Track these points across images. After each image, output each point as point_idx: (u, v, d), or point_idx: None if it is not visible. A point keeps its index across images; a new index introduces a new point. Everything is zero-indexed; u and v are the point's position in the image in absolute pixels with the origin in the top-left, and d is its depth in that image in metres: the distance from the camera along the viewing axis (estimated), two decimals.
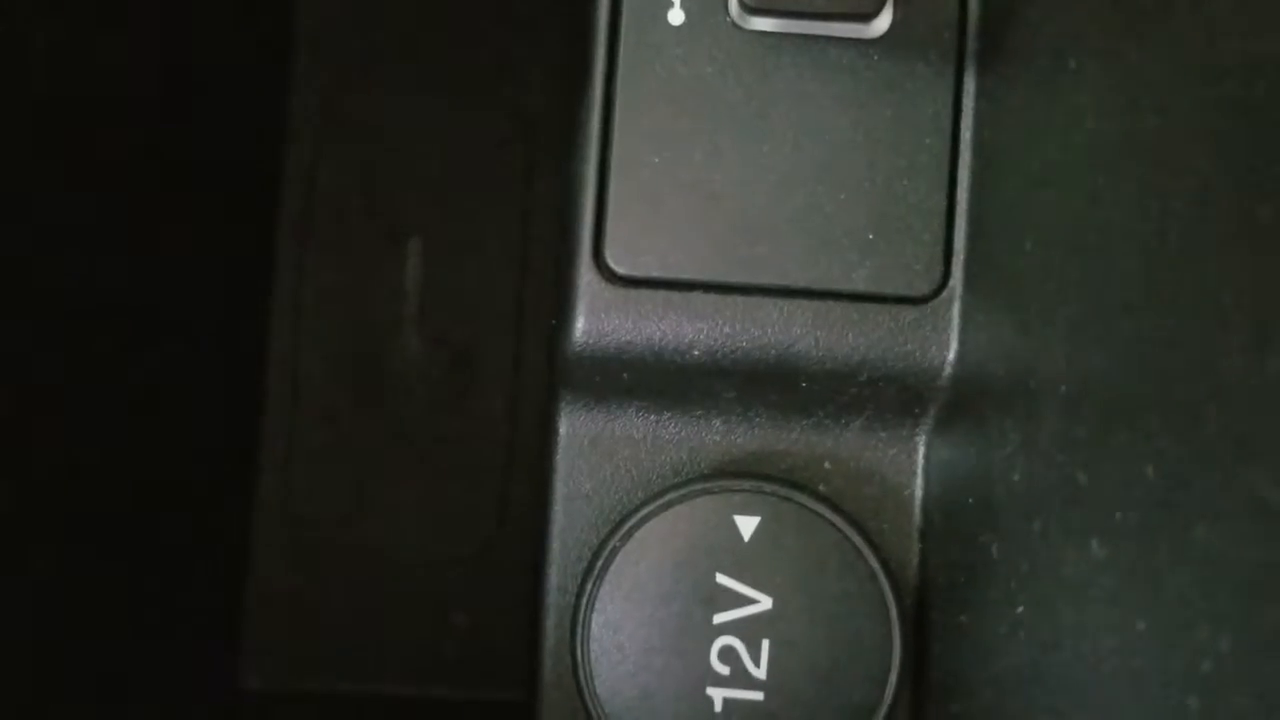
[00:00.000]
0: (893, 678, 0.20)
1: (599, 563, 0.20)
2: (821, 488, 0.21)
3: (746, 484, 0.20)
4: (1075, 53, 0.16)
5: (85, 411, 0.28)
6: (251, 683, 0.34)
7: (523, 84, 0.36)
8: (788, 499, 0.20)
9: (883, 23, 0.20)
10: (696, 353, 0.20)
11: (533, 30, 0.36)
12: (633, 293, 0.20)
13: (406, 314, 0.35)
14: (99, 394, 0.28)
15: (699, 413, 0.21)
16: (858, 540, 0.20)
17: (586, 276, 0.20)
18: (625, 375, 0.21)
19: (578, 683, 0.20)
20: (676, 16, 0.20)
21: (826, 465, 0.21)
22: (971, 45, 0.20)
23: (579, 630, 0.20)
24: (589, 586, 0.20)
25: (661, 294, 0.20)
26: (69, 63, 0.27)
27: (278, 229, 0.35)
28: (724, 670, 0.20)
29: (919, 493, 0.21)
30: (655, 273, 0.20)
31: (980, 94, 0.20)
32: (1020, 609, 0.17)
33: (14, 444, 0.25)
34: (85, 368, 0.28)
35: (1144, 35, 0.14)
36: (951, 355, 0.20)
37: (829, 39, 0.20)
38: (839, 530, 0.20)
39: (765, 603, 0.20)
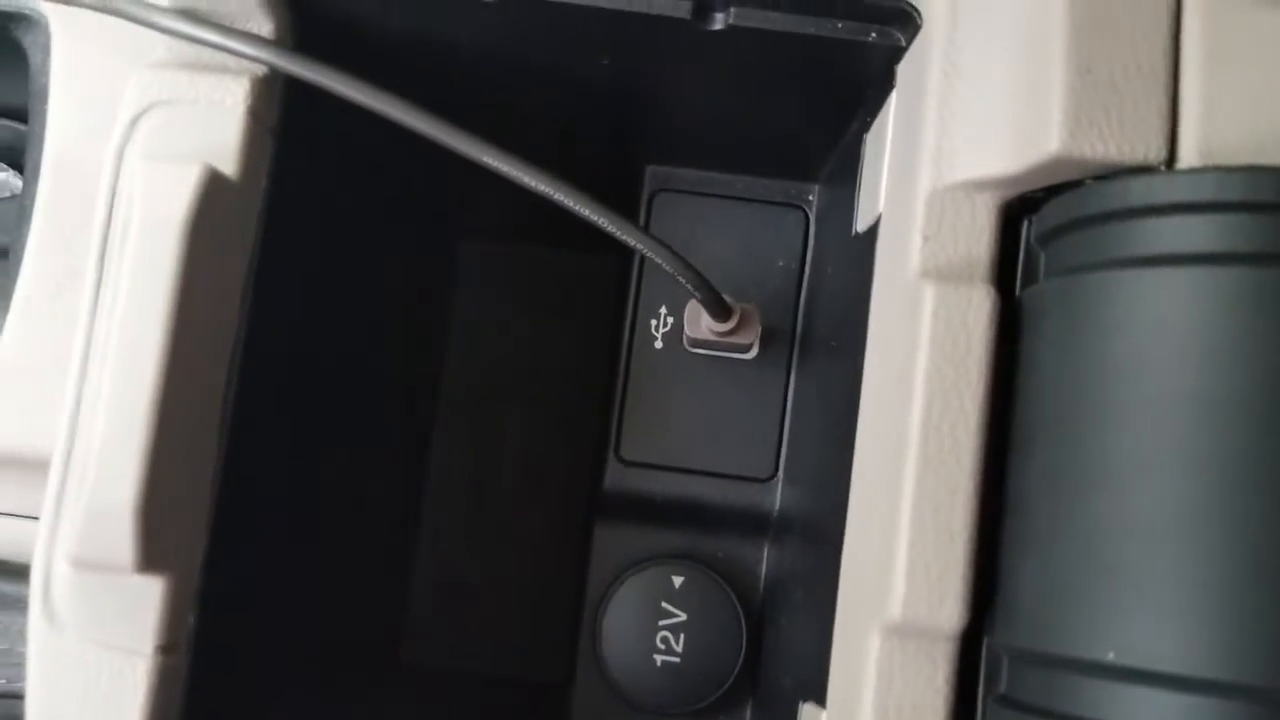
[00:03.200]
0: (742, 654, 0.43)
1: (609, 595, 0.44)
2: (716, 562, 0.44)
3: (680, 562, 0.43)
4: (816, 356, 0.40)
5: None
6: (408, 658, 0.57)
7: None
8: (696, 567, 0.43)
9: (754, 353, 0.43)
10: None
11: None
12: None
13: None
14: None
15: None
16: (728, 588, 0.43)
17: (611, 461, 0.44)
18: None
19: (595, 650, 0.44)
20: (658, 343, 0.44)
21: (719, 555, 0.44)
22: (794, 363, 0.44)
23: (599, 623, 0.43)
24: (604, 605, 0.44)
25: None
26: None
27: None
28: (662, 647, 0.43)
29: (764, 569, 0.44)
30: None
31: (797, 382, 0.44)
32: (783, 620, 0.40)
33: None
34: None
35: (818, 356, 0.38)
36: (775, 510, 0.43)
37: (730, 360, 0.44)
38: (719, 583, 0.43)
39: (683, 616, 0.43)
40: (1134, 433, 0.23)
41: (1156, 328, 0.23)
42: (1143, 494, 0.23)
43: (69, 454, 0.31)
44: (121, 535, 0.28)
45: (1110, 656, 0.22)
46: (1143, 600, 0.22)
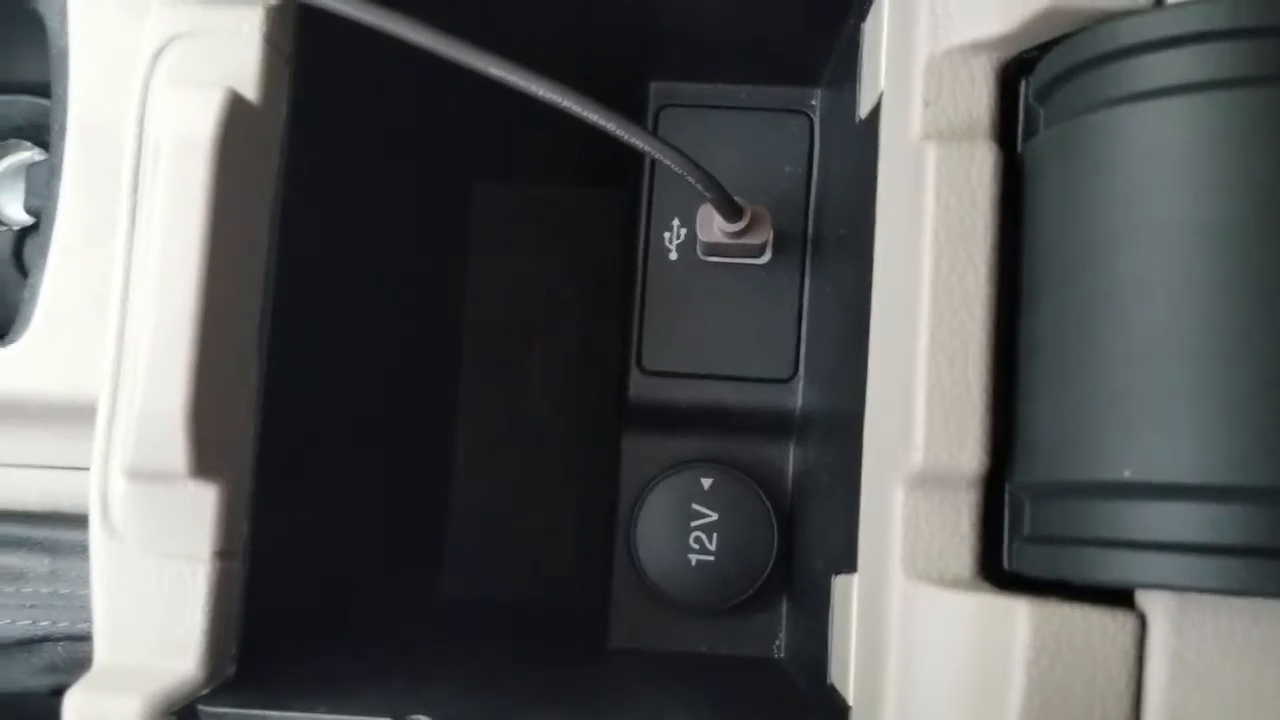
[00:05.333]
0: (774, 547, 0.44)
1: (641, 502, 0.45)
2: (743, 463, 0.45)
3: (708, 465, 0.45)
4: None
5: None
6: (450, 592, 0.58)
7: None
8: (724, 468, 0.44)
9: (767, 257, 0.44)
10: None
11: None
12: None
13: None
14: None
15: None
16: (756, 486, 0.44)
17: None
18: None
19: (631, 557, 0.45)
20: (673, 255, 0.45)
21: (745, 456, 0.45)
22: (807, 265, 0.45)
23: (633, 530, 0.45)
24: (637, 512, 0.45)
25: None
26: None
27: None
28: (695, 547, 0.44)
29: (790, 466, 0.45)
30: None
31: (811, 282, 0.45)
32: (812, 509, 0.41)
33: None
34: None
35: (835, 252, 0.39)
36: (798, 410, 0.44)
37: (744, 265, 0.45)
38: (747, 481, 0.44)
39: (714, 515, 0.44)
40: (1137, 262, 0.24)
41: (1154, 158, 0.24)
42: (1148, 319, 0.24)
43: (117, 375, 0.32)
44: (174, 440, 0.29)
45: (1126, 474, 0.24)
46: (1153, 418, 0.23)
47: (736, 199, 0.40)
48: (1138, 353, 0.24)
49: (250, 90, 0.33)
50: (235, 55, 0.33)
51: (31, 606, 0.48)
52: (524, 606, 0.55)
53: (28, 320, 0.39)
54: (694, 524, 0.44)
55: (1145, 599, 0.25)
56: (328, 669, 0.37)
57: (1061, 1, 0.26)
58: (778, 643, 0.44)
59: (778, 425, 0.45)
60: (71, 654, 0.49)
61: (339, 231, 0.42)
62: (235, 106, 0.31)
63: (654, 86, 0.46)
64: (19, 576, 0.47)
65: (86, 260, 0.38)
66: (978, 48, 0.28)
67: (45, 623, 0.48)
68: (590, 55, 0.44)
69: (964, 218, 0.27)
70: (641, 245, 0.46)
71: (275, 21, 0.34)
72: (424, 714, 0.31)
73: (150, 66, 0.33)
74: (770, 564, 0.44)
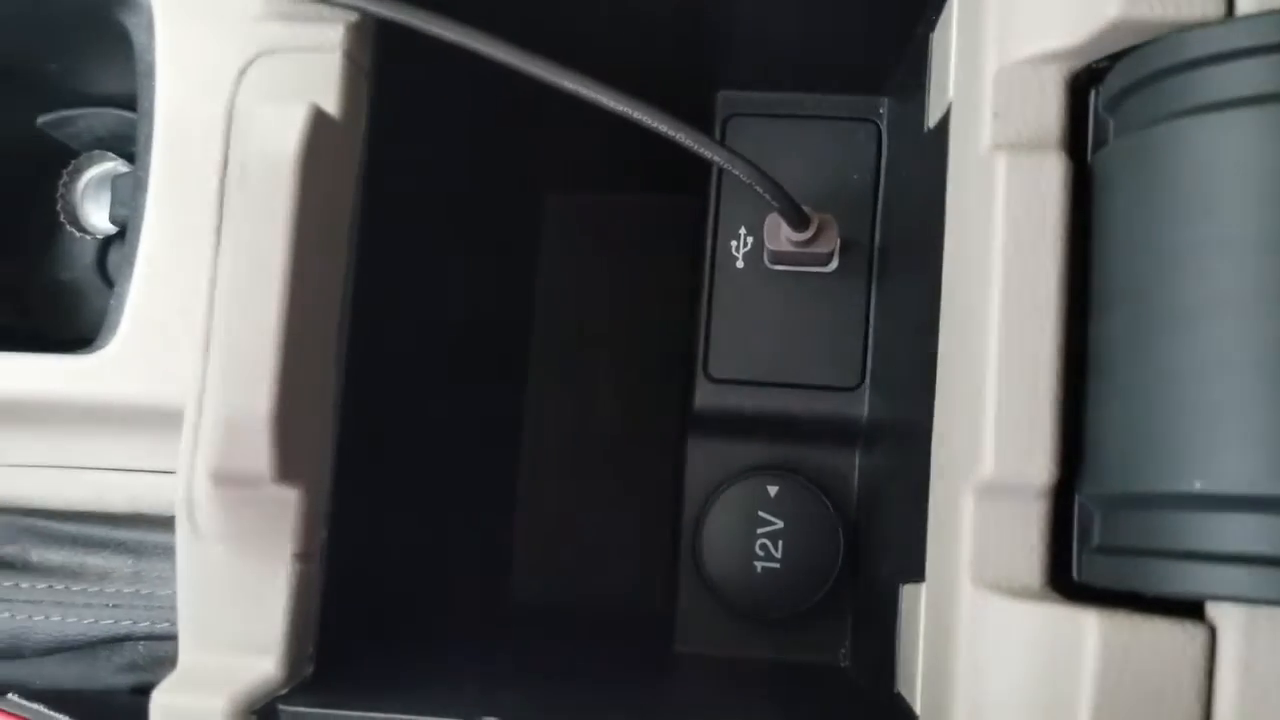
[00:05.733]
0: (840, 555, 0.44)
1: (707, 508, 0.45)
2: (809, 471, 0.45)
3: (775, 472, 0.45)
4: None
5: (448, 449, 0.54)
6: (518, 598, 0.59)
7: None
8: (790, 476, 0.45)
9: (834, 266, 0.45)
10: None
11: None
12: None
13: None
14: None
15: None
16: (822, 493, 0.44)
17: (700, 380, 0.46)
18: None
19: (697, 563, 0.45)
20: (739, 263, 0.45)
21: (811, 463, 0.45)
22: (875, 273, 0.45)
23: (699, 537, 0.45)
24: (704, 517, 0.45)
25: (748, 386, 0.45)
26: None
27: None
28: (761, 554, 0.44)
29: (856, 474, 0.45)
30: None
31: (878, 290, 0.45)
32: (878, 517, 0.41)
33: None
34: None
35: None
36: (864, 418, 0.44)
37: (811, 274, 0.45)
38: (813, 489, 0.44)
39: (779, 523, 0.44)
40: (1208, 273, 0.24)
41: (1224, 170, 0.24)
42: (1219, 330, 0.24)
43: (204, 382, 0.33)
44: (259, 445, 0.30)
45: (1197, 486, 0.24)
46: (1224, 429, 0.23)
47: (804, 208, 0.40)
48: (1208, 364, 0.24)
49: (332, 105, 0.34)
50: (318, 71, 0.34)
51: (115, 606, 0.49)
52: (589, 611, 0.56)
53: (115, 328, 0.40)
54: (759, 531, 0.45)
55: (1215, 611, 0.25)
56: (400, 670, 0.38)
57: (1131, 13, 0.26)
58: (843, 650, 0.44)
59: (844, 433, 0.45)
60: (152, 653, 0.50)
61: (413, 241, 0.43)
62: (318, 122, 0.32)
63: (722, 95, 0.47)
64: (103, 576, 0.49)
65: (171, 270, 0.39)
66: (1047, 59, 0.28)
67: (127, 622, 0.49)
68: (660, 65, 0.44)
69: (1033, 228, 0.27)
70: (709, 253, 0.46)
71: (355, 38, 0.35)
72: (494, 716, 0.32)
73: (236, 83, 0.34)
74: (836, 572, 0.44)
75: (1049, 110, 0.28)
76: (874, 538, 0.42)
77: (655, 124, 0.35)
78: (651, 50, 0.43)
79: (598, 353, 0.59)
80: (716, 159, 0.36)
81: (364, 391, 0.37)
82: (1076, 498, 0.28)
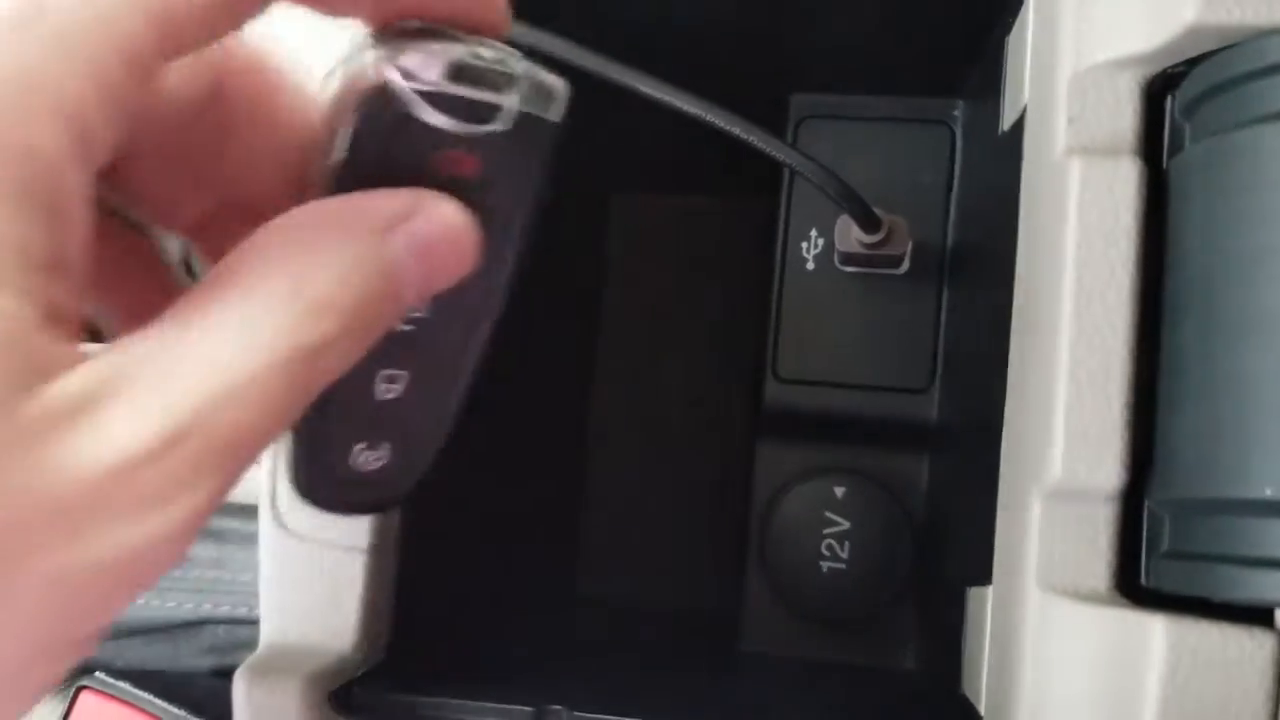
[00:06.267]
0: (906, 557, 0.44)
1: (773, 507, 0.46)
2: (877, 472, 0.45)
3: (843, 473, 0.45)
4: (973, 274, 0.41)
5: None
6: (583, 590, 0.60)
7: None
8: (857, 477, 0.45)
9: (905, 268, 0.45)
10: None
11: None
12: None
13: None
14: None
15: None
16: (889, 495, 0.44)
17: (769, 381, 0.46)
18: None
19: (763, 563, 0.46)
20: (810, 265, 0.46)
21: (879, 465, 0.46)
22: (947, 276, 0.45)
23: (766, 537, 0.46)
24: (770, 517, 0.46)
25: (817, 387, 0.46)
26: None
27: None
28: (828, 555, 0.45)
29: (924, 476, 0.45)
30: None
31: (949, 293, 0.45)
32: (946, 520, 0.41)
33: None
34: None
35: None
36: (933, 420, 0.44)
37: (882, 275, 0.45)
38: (880, 491, 0.44)
39: (846, 524, 0.44)
40: None
41: None
42: None
43: None
44: None
45: (1268, 493, 0.23)
46: None
47: (875, 211, 0.40)
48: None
49: None
50: None
51: (197, 590, 0.51)
52: (655, 608, 0.56)
53: None
54: (826, 532, 0.45)
55: None
56: (468, 658, 0.39)
57: (1209, 18, 0.26)
58: (908, 651, 0.44)
59: (912, 435, 0.45)
60: (231, 636, 0.52)
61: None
62: None
63: (795, 99, 0.47)
64: (187, 562, 0.50)
65: None
66: (1122, 64, 0.28)
67: (208, 606, 0.51)
68: (734, 68, 0.45)
69: (1107, 234, 0.27)
70: (779, 254, 0.46)
71: None
72: (560, 705, 0.32)
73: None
74: (902, 573, 0.44)
75: (1124, 115, 0.28)
76: (941, 540, 0.42)
77: (729, 127, 0.35)
78: (726, 53, 0.44)
79: (666, 353, 0.59)
80: (789, 163, 0.36)
81: None
82: (1146, 502, 0.28)
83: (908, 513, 0.45)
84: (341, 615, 0.33)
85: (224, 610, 0.50)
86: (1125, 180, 0.27)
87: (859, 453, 0.46)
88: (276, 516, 0.34)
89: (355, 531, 0.34)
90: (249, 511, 0.37)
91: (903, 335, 0.45)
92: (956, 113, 0.45)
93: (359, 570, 0.34)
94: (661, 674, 0.42)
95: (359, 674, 0.33)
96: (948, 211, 0.45)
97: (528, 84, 0.23)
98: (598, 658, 0.44)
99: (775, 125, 0.47)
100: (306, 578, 0.34)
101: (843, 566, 0.45)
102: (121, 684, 0.46)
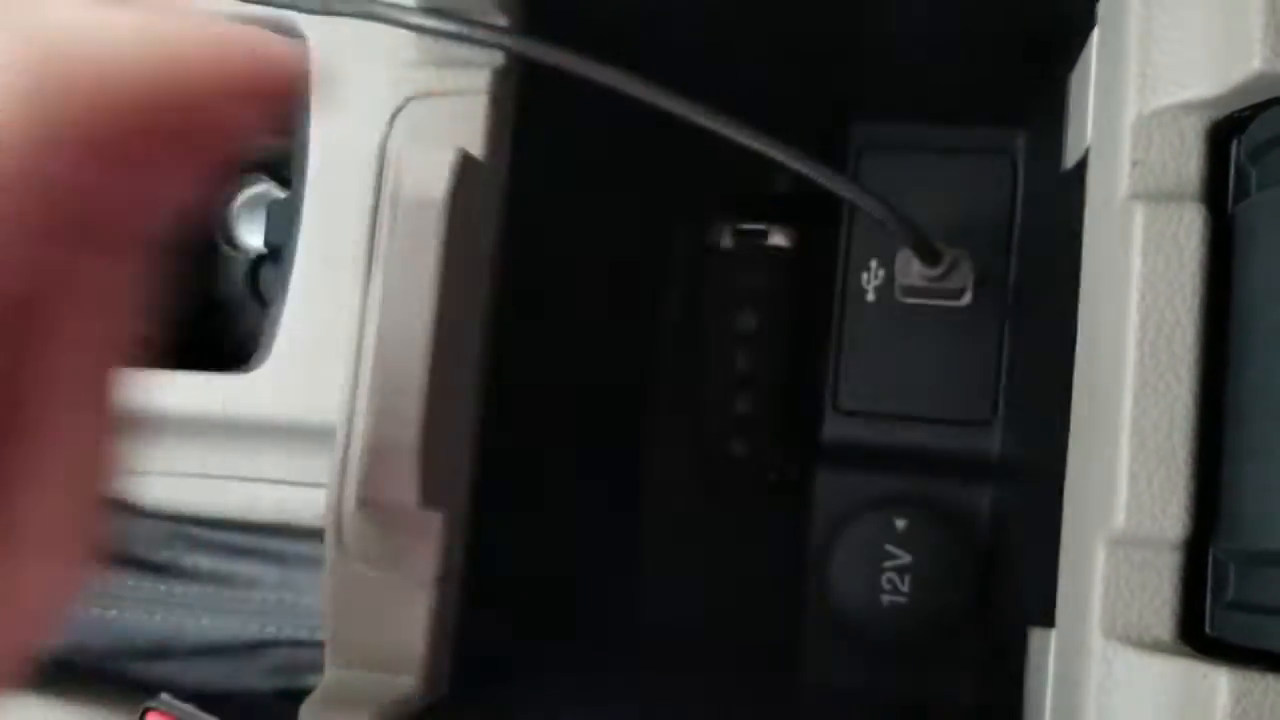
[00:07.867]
0: (968, 592, 0.44)
1: (834, 539, 0.46)
2: (939, 505, 0.45)
3: (904, 506, 0.45)
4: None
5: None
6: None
7: None
8: (919, 510, 0.45)
9: (967, 299, 0.45)
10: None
11: None
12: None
13: None
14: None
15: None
16: (951, 529, 0.44)
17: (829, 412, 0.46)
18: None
19: (822, 595, 0.46)
20: (870, 296, 0.46)
21: (941, 498, 0.45)
22: (1010, 308, 0.45)
23: (825, 569, 0.45)
24: (830, 549, 0.46)
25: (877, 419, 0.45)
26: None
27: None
28: (888, 588, 0.44)
29: (987, 510, 0.45)
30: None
31: (1012, 325, 0.44)
32: (1009, 555, 0.41)
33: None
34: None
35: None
36: (996, 453, 0.44)
37: (943, 307, 0.45)
38: (942, 524, 0.44)
39: (907, 559, 0.44)
40: None
41: None
42: None
43: (352, 411, 0.35)
44: (406, 475, 0.32)
45: None
46: None
47: (936, 244, 0.40)
48: None
49: (477, 147, 0.35)
50: (465, 115, 0.36)
51: (261, 612, 0.52)
52: (714, 638, 0.56)
53: (269, 348, 0.42)
54: (886, 565, 0.45)
55: None
56: (529, 689, 0.39)
57: (1276, 66, 0.26)
58: (967, 688, 0.44)
59: (974, 468, 0.45)
60: (295, 659, 0.52)
61: (548, 273, 0.44)
62: (466, 165, 0.33)
63: (856, 129, 0.47)
64: (251, 584, 0.51)
65: (323, 297, 0.41)
66: (1188, 108, 0.28)
67: (272, 628, 0.52)
68: (794, 97, 0.45)
69: (1171, 280, 0.27)
70: (839, 285, 0.46)
71: (500, 83, 0.36)
72: None
73: (389, 124, 0.36)
74: (963, 609, 0.44)
75: (1189, 161, 0.27)
76: (1004, 577, 0.42)
77: (790, 161, 0.35)
78: (786, 82, 0.44)
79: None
80: (849, 196, 0.36)
81: (501, 418, 0.38)
82: (1211, 550, 0.28)
83: (970, 546, 0.44)
84: (406, 648, 0.34)
85: (288, 633, 0.51)
86: (1189, 227, 0.27)
87: (920, 485, 0.46)
88: (341, 545, 0.35)
89: (422, 563, 0.34)
90: (313, 534, 0.38)
91: (964, 367, 0.45)
92: (1019, 143, 0.45)
93: (424, 602, 0.34)
94: (721, 704, 0.42)
95: (423, 707, 0.34)
96: (1010, 244, 0.45)
97: None
98: (658, 687, 0.45)
99: (836, 155, 0.47)
100: (371, 608, 0.34)
101: (903, 600, 0.44)
102: (187, 706, 0.47)
